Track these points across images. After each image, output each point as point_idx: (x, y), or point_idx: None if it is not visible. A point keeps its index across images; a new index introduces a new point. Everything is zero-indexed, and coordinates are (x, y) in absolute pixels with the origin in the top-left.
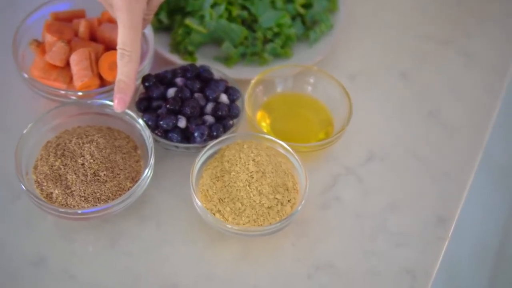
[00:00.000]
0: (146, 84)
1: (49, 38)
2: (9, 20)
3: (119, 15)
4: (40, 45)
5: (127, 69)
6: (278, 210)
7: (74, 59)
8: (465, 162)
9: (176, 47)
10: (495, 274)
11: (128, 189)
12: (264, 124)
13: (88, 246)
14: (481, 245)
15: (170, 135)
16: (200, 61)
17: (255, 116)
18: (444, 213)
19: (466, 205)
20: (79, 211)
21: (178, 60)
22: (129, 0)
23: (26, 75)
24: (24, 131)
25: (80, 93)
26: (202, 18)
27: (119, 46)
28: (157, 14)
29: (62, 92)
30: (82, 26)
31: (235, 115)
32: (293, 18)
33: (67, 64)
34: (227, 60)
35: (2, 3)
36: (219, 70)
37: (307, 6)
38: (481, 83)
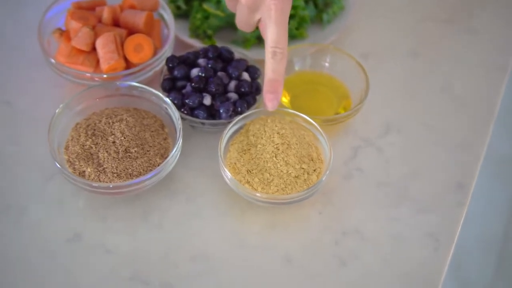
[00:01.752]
0: (170, 65)
1: (74, 24)
2: (32, 11)
3: (272, 14)
4: (63, 34)
5: (279, 67)
6: (305, 179)
7: (100, 42)
8: (478, 131)
9: (195, 32)
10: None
11: (158, 165)
12: (285, 101)
13: (121, 222)
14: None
15: (196, 112)
16: (218, 45)
17: None
18: (462, 180)
19: (481, 171)
20: (112, 185)
21: (198, 44)
22: (282, 0)
23: (53, 61)
24: (56, 111)
25: (105, 76)
26: (219, 2)
27: (271, 44)
28: (174, 0)
29: (88, 75)
30: (105, 13)
31: (257, 92)
32: (306, 1)
33: (93, 49)
34: (244, 43)
35: None
36: (238, 51)
37: None
38: (488, 58)
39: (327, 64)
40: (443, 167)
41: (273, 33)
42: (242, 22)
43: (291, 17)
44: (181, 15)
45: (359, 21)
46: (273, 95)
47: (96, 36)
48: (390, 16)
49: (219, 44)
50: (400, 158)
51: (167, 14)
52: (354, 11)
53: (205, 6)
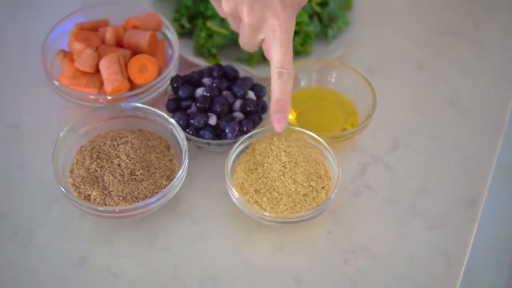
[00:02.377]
0: (175, 85)
1: (77, 46)
2: (35, 33)
3: (276, 34)
4: (67, 55)
5: (286, 87)
6: (314, 197)
7: (103, 63)
8: (488, 145)
9: (199, 50)
10: None
11: (164, 187)
12: (291, 118)
13: (127, 245)
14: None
15: (201, 132)
16: (223, 63)
17: None
18: (472, 195)
19: (492, 184)
20: (117, 209)
21: (202, 63)
22: (287, 20)
23: (57, 83)
24: (60, 135)
25: (109, 97)
26: (222, 20)
27: (277, 65)
28: (178, 19)
29: (93, 97)
30: (108, 33)
31: (263, 110)
32: (310, 17)
33: (97, 70)
34: (249, 60)
35: (27, 16)
36: (243, 69)
37: (323, 4)
38: (495, 70)
39: (333, 80)
40: (452, 182)
41: (279, 54)
42: (246, 42)
43: (296, 33)
44: (185, 34)
45: (364, 35)
46: (281, 114)
47: (99, 57)
48: (396, 29)
49: (223, 62)
50: (409, 174)
51: (171, 33)
52: (359, 26)
53: (209, 24)
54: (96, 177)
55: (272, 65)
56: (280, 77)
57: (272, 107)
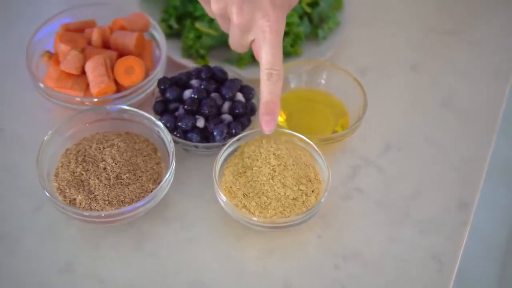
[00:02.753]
0: (162, 87)
1: (62, 47)
2: (20, 34)
3: (266, 35)
4: (52, 56)
5: (275, 89)
6: (303, 201)
7: (89, 65)
8: (481, 147)
9: (187, 51)
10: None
11: (151, 191)
12: (281, 120)
13: (114, 250)
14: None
15: (189, 135)
16: (212, 64)
17: None
18: (465, 198)
19: (484, 188)
20: (103, 214)
21: (190, 64)
22: (276, 21)
23: (42, 85)
24: (44, 138)
25: (96, 100)
26: (211, 21)
27: (266, 66)
28: (166, 20)
29: (78, 99)
30: (95, 34)
31: (252, 113)
32: (301, 17)
33: (83, 72)
34: (238, 62)
35: (12, 16)
36: (232, 70)
37: (313, 5)
38: (490, 70)
39: (323, 81)
40: (445, 185)
41: (268, 55)
42: (235, 43)
43: (286, 34)
44: (173, 34)
45: (356, 35)
46: (270, 117)
47: (85, 59)
48: (389, 29)
49: (212, 63)
50: (401, 176)
51: (159, 34)
52: (350, 26)
53: (198, 25)
54: (82, 181)
55: (261, 66)
56: (269, 78)
57: (261, 109)
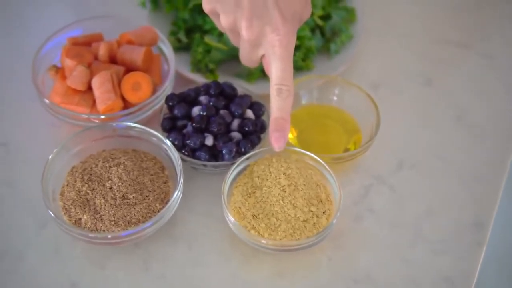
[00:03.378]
0: (170, 103)
1: (68, 62)
2: (26, 47)
3: (276, 50)
4: (59, 71)
5: (285, 105)
6: (314, 223)
7: (96, 81)
8: (497, 164)
9: (196, 66)
10: None
11: (158, 211)
12: (291, 137)
13: (120, 271)
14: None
15: (197, 153)
16: (221, 79)
17: None
18: (480, 218)
19: (500, 208)
20: (110, 235)
21: (199, 79)
22: (287, 35)
23: (47, 101)
24: (50, 157)
25: (103, 117)
26: (221, 35)
27: (276, 81)
28: (175, 33)
29: (85, 116)
30: (101, 49)
31: (262, 130)
32: (312, 30)
33: (89, 88)
34: (248, 76)
35: (19, 28)
36: (241, 86)
37: (325, 18)
38: (504, 84)
39: (335, 97)
40: (459, 204)
41: (278, 70)
42: (245, 58)
43: (297, 48)
44: (182, 48)
45: (369, 49)
46: (280, 133)
47: (92, 74)
48: (402, 42)
49: (222, 78)
50: (414, 195)
51: (167, 49)
52: (363, 39)
53: (207, 39)
54: (87, 200)
55: (271, 81)
56: (279, 94)
57: (271, 125)
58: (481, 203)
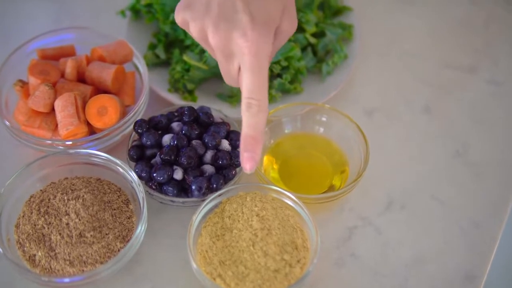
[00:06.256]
0: (139, 130)
1: (32, 80)
2: None
3: (245, 58)
4: (25, 86)
5: (255, 121)
6: (286, 273)
7: (58, 104)
8: (496, 209)
9: (174, 85)
10: None
11: (119, 251)
12: (272, 170)
13: None
14: None
15: (165, 188)
16: (201, 99)
17: (261, 162)
18: (473, 270)
19: (497, 259)
20: (57, 280)
21: (177, 100)
22: (257, 42)
23: (7, 123)
24: (6, 184)
25: (69, 142)
26: (202, 53)
27: (245, 95)
28: (154, 47)
29: (48, 142)
30: (68, 67)
31: (238, 164)
32: (304, 49)
33: (53, 109)
34: (231, 98)
35: None
36: (220, 111)
37: (319, 35)
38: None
39: (321, 127)
40: (451, 252)
41: (248, 81)
42: (224, 73)
43: (285, 68)
44: (161, 63)
45: (364, 72)
46: (249, 154)
47: (57, 94)
48: (402, 64)
49: (201, 99)
50: (402, 241)
51: (142, 66)
52: (359, 61)
53: (186, 57)
54: (43, 235)
55: (242, 95)
56: (248, 109)
57: (241, 144)
58: (476, 253)
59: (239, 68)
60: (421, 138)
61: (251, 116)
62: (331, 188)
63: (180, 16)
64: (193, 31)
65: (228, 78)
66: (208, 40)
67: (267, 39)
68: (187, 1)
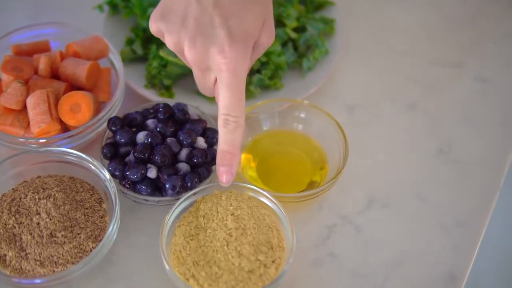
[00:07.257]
0: (113, 128)
1: (5, 77)
2: None
3: (223, 75)
4: None
5: (233, 138)
6: (260, 274)
7: (30, 102)
8: (480, 208)
9: (151, 82)
10: None
11: (91, 251)
12: (250, 169)
13: None
14: None
15: (138, 187)
16: (178, 96)
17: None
18: (455, 270)
19: (478, 259)
20: (26, 281)
21: (153, 96)
22: (235, 58)
23: None
24: None
25: (42, 140)
26: None
27: (222, 111)
28: (131, 42)
29: (21, 140)
30: (42, 63)
31: (213, 162)
32: (284, 44)
33: (25, 106)
34: None
35: None
36: (197, 108)
37: (299, 29)
38: (498, 112)
39: (300, 124)
40: (433, 252)
41: (225, 98)
42: (199, 85)
43: (265, 64)
44: (138, 58)
45: (347, 67)
46: (226, 168)
47: (29, 91)
48: (386, 60)
49: (179, 95)
50: (383, 240)
51: (117, 62)
52: (341, 55)
53: (162, 53)
54: (14, 235)
55: (219, 111)
56: (225, 125)
57: (217, 159)
58: (458, 252)
59: (215, 80)
60: (405, 136)
61: (228, 132)
62: (311, 184)
63: (155, 26)
64: (168, 43)
65: (203, 89)
66: (184, 53)
67: (245, 56)
68: (162, 11)
